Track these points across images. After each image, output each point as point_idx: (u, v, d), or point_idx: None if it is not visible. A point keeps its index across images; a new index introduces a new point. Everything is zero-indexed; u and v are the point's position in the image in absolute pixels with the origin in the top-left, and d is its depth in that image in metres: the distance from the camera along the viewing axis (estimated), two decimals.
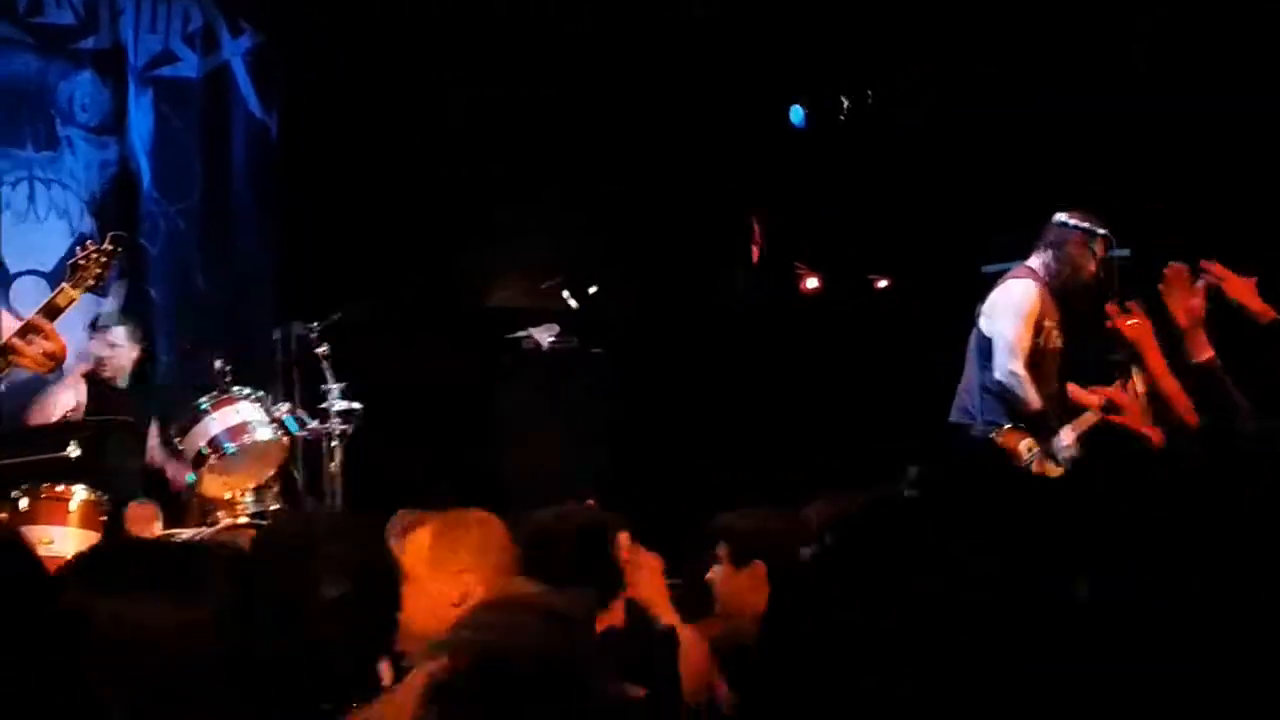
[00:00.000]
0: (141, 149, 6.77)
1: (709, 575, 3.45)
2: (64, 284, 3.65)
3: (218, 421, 5.32)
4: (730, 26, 7.05)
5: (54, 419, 5.92)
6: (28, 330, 3.56)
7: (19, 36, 6.49)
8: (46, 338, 3.56)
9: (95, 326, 6.04)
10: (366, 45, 7.01)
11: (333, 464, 5.67)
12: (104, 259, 3.67)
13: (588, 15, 6.99)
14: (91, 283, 3.65)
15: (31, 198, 6.52)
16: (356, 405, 5.70)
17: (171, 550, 1.87)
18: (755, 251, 7.61)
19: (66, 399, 5.92)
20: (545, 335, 6.46)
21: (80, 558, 1.79)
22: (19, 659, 1.48)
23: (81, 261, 3.65)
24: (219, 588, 1.72)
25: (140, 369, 6.13)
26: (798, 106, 7.18)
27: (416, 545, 2.77)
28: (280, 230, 7.01)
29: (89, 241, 3.75)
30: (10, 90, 6.45)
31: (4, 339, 3.59)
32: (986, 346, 5.30)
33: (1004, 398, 5.24)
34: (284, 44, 7.01)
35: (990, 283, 5.46)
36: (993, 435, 5.26)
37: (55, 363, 3.68)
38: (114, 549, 1.88)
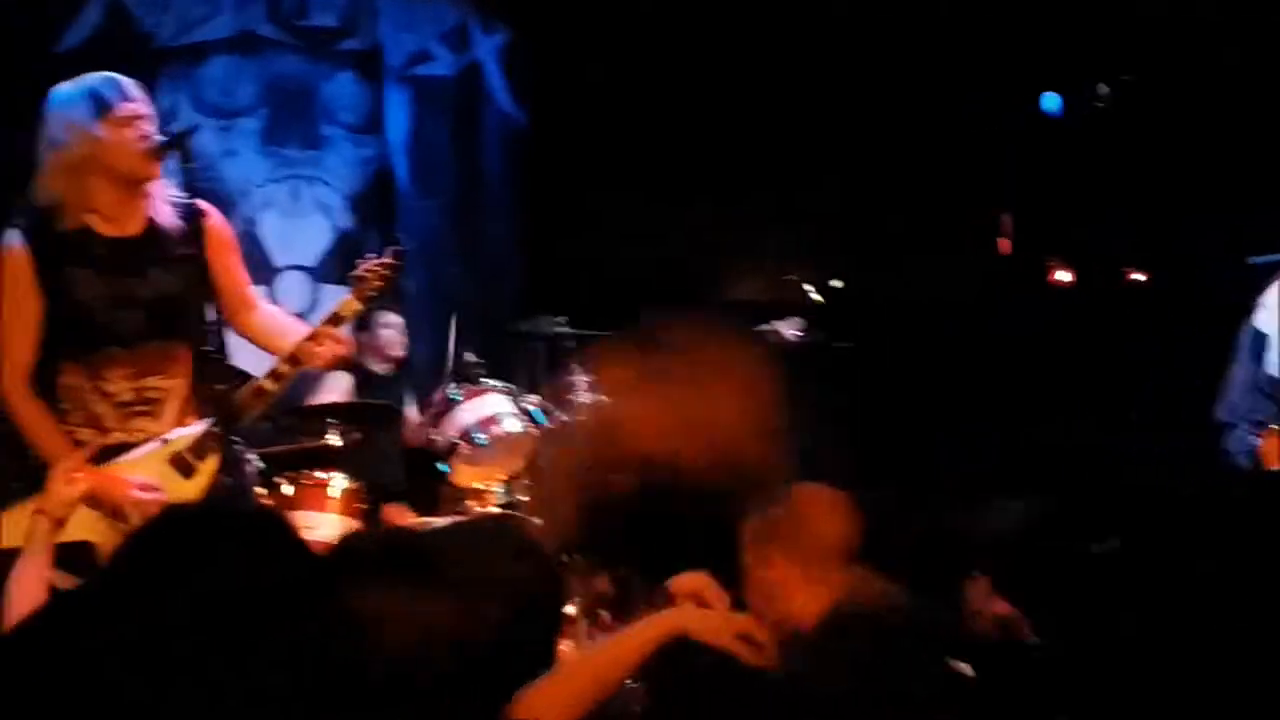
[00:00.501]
0: (398, 146, 7.00)
1: None
2: (348, 295, 3.77)
3: (469, 412, 5.44)
4: (982, 10, 6.88)
5: (333, 397, 6.10)
6: (317, 336, 3.69)
7: (284, 39, 6.78)
8: (337, 341, 3.68)
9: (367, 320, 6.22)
10: (616, 39, 7.08)
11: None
12: (386, 272, 3.77)
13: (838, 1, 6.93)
14: (373, 294, 3.75)
15: (295, 195, 6.81)
16: (603, 398, 5.74)
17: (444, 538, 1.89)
18: (1004, 244, 7.41)
19: (340, 386, 6.10)
20: (789, 329, 6.40)
21: (347, 541, 1.83)
22: (286, 638, 1.51)
23: (363, 274, 3.77)
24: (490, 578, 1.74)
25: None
26: (1052, 93, 6.97)
27: None
28: (530, 224, 7.15)
29: (371, 256, 3.85)
30: (276, 92, 6.75)
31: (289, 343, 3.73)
32: (1261, 342, 5.07)
33: (1276, 397, 4.99)
34: (535, 39, 7.13)
35: (1261, 275, 5.21)
36: (1258, 435, 5.03)
37: (346, 360, 3.80)
38: (383, 536, 1.91)
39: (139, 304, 3.59)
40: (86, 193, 3.56)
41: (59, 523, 3.05)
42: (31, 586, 2.49)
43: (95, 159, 3.54)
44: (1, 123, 5.77)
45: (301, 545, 1.63)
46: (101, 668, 1.33)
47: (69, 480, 3.23)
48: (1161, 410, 6.35)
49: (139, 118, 3.58)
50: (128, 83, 3.63)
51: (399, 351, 6.21)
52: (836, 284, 6.99)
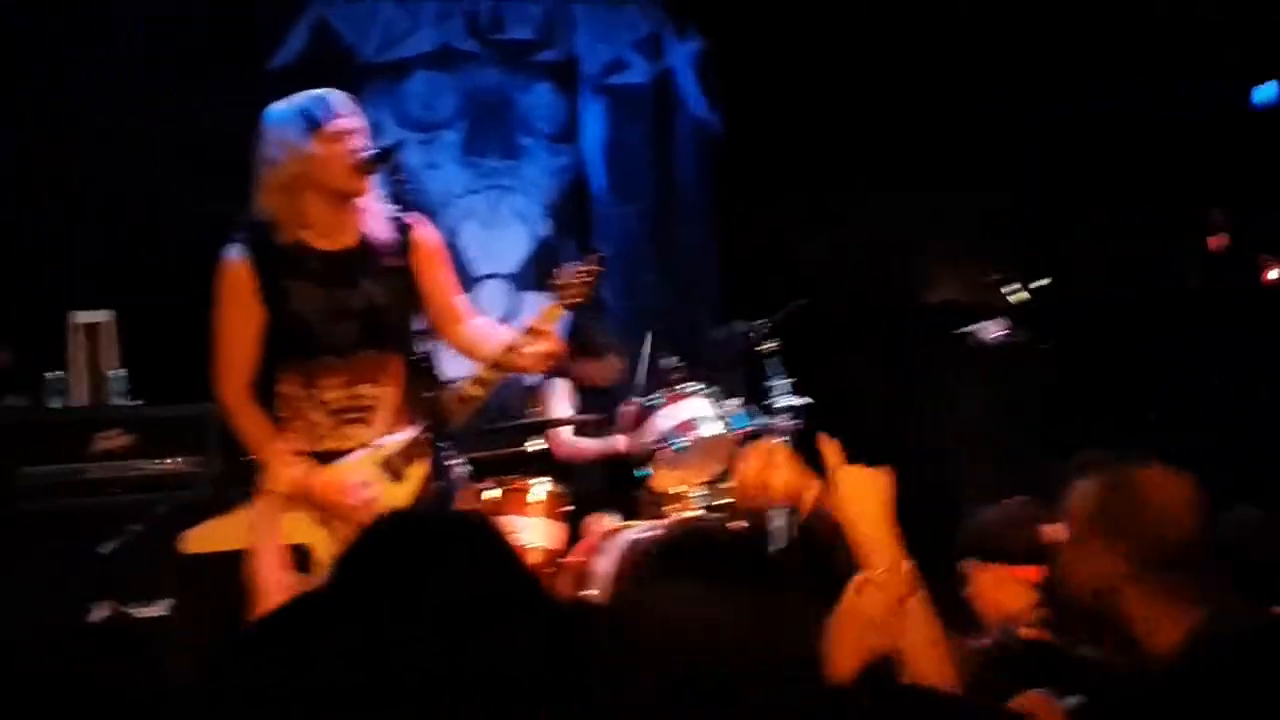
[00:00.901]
0: (594, 154, 7.07)
1: None
2: (550, 302, 3.80)
3: (668, 417, 5.45)
4: None
5: (559, 408, 6.13)
6: (528, 334, 3.74)
7: (483, 53, 6.91)
8: (544, 343, 3.72)
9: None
10: (807, 41, 7.04)
11: None
12: (587, 278, 3.80)
13: None
14: (575, 300, 3.78)
15: (495, 205, 6.92)
16: (805, 401, 5.70)
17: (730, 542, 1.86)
18: (1214, 241, 7.16)
19: (564, 389, 6.12)
20: (993, 331, 6.28)
21: (652, 546, 1.81)
22: (502, 644, 1.50)
23: (565, 281, 3.80)
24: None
25: None
26: (1266, 85, 6.70)
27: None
28: (726, 229, 7.15)
29: (573, 263, 3.89)
30: (476, 104, 6.88)
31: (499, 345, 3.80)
32: None
33: None
34: (728, 45, 7.13)
35: None
36: None
37: (554, 362, 3.84)
38: (679, 538, 1.88)
39: (352, 315, 3.69)
40: (301, 208, 3.67)
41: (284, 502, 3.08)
42: (273, 574, 2.55)
43: (308, 175, 3.64)
44: (223, 142, 6.05)
45: (512, 551, 1.65)
46: (333, 670, 1.35)
47: (289, 462, 3.36)
48: None
49: (349, 132, 3.68)
50: (338, 98, 3.73)
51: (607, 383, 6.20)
52: (1041, 284, 6.82)
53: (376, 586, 1.44)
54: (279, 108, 3.72)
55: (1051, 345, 6.58)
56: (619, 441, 5.78)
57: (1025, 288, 6.19)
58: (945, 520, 3.29)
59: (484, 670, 1.44)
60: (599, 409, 5.90)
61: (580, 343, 5.83)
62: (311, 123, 3.65)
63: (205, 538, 3.77)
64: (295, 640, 1.37)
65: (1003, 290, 6.98)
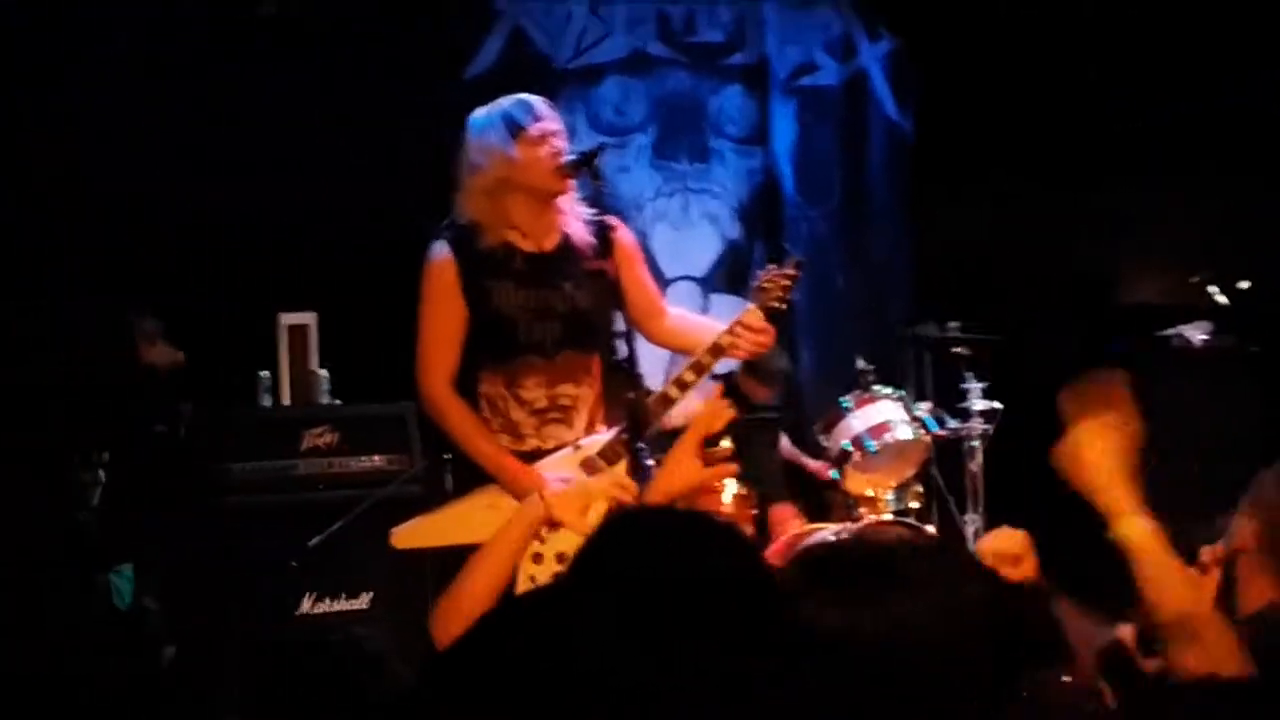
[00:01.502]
0: (784, 156, 7.06)
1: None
2: (751, 305, 3.82)
3: (860, 419, 5.42)
4: None
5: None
6: (733, 331, 3.77)
7: (675, 57, 6.95)
8: (755, 333, 3.73)
9: None
10: (999, 42, 6.93)
11: (973, 464, 5.63)
12: (786, 282, 3.81)
13: None
14: (775, 305, 3.79)
15: (685, 208, 6.96)
16: (997, 405, 5.63)
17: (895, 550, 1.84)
18: None
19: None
20: (1197, 333, 6.10)
21: (806, 555, 1.82)
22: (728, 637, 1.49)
23: (765, 284, 3.81)
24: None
25: None
26: None
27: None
28: (917, 229, 7.08)
29: (771, 267, 3.90)
30: (668, 107, 6.93)
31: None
32: None
33: None
34: (921, 45, 7.06)
35: None
36: None
37: (768, 349, 3.87)
38: (834, 549, 1.88)
39: (555, 315, 3.76)
40: (504, 211, 3.76)
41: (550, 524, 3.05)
42: (497, 578, 2.59)
43: (511, 179, 3.73)
44: (421, 148, 6.20)
45: (747, 542, 1.65)
46: (570, 666, 1.37)
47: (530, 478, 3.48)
48: None
49: (551, 135, 3.75)
50: (538, 102, 3.81)
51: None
52: (1244, 284, 6.61)
53: (616, 581, 1.45)
54: (481, 114, 3.81)
55: (1260, 349, 6.36)
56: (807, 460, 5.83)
57: (1226, 290, 6.00)
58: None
59: (720, 672, 1.44)
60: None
61: (754, 362, 5.87)
62: (514, 127, 3.73)
63: (415, 534, 3.86)
64: (536, 633, 1.40)
65: (1207, 291, 6.79)
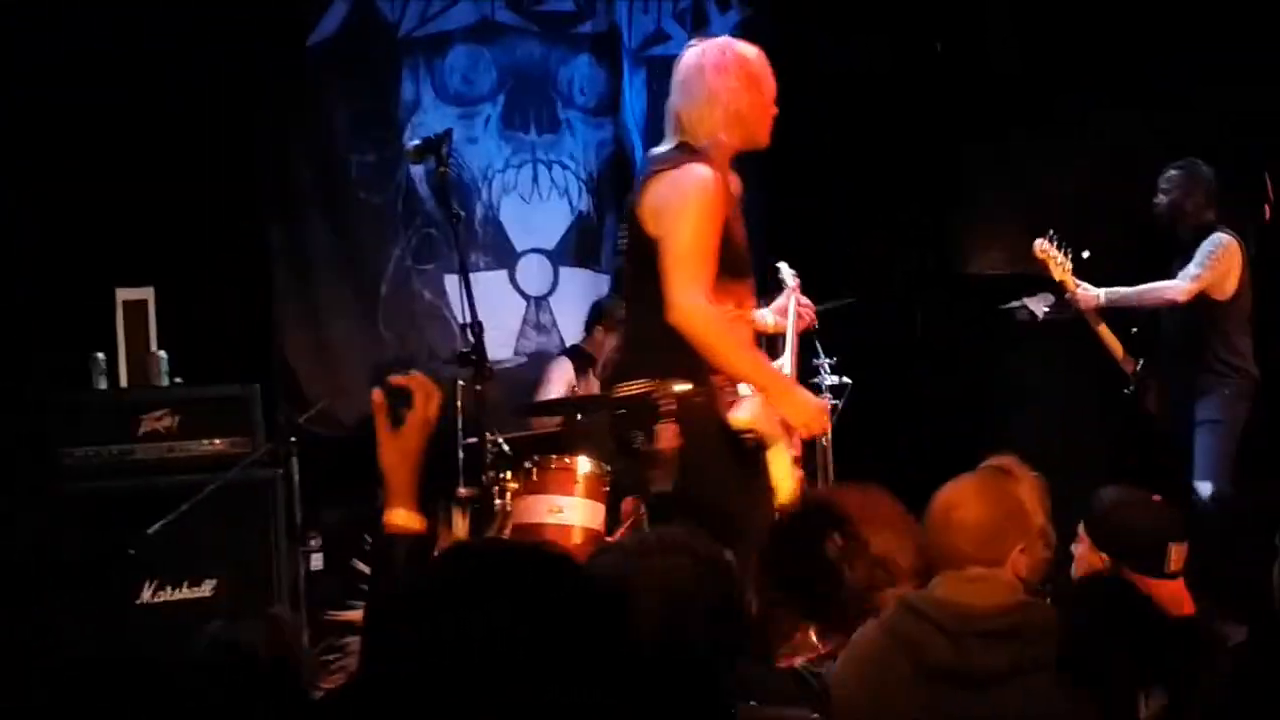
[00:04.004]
0: (635, 127, 7.01)
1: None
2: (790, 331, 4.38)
3: None
4: None
5: (555, 388, 6.23)
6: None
7: (524, 25, 6.84)
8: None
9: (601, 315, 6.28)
10: (845, 10, 6.97)
11: (823, 438, 5.66)
12: (812, 314, 4.42)
13: None
14: (805, 330, 4.36)
15: (535, 179, 6.88)
16: (847, 380, 5.67)
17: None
18: (1267, 210, 7.05)
19: (567, 371, 6.21)
20: (1039, 305, 6.20)
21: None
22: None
23: (800, 312, 4.34)
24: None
25: None
26: None
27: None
28: (768, 203, 7.07)
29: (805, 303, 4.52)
30: (517, 77, 6.82)
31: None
32: None
33: None
34: (771, 14, 7.05)
35: None
36: None
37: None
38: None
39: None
40: (733, 146, 3.83)
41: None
42: None
43: (746, 120, 3.83)
44: (257, 109, 6.02)
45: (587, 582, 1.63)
46: None
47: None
48: None
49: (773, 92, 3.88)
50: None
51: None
52: (1085, 255, 6.73)
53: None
54: (748, 50, 3.85)
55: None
56: None
57: (1070, 260, 6.09)
58: None
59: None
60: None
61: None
62: (765, 73, 3.83)
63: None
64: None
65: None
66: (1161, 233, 6.05)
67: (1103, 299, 5.90)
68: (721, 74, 3.76)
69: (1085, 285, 5.90)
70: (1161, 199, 5.99)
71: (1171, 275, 5.91)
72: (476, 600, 1.45)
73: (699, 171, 3.67)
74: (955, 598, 2.51)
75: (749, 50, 3.85)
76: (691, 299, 3.59)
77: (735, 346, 3.69)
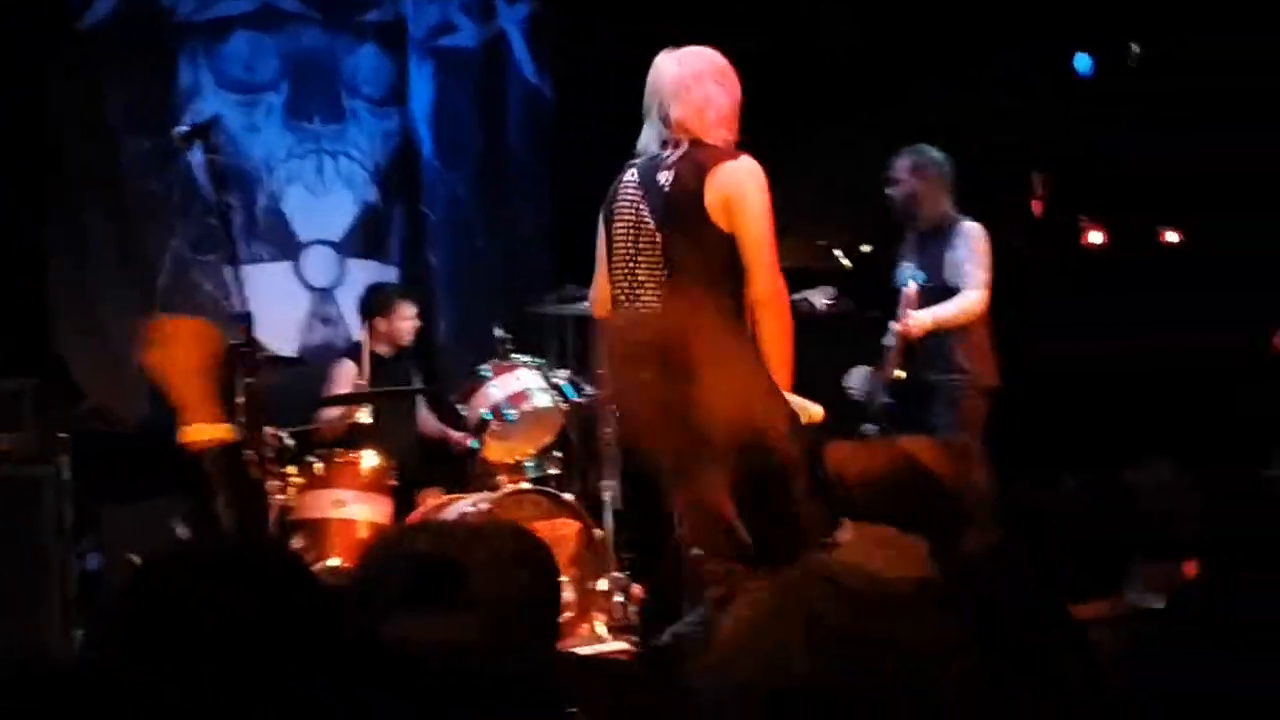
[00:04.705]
0: (422, 118, 6.95)
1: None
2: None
3: (499, 388, 5.40)
4: None
5: (341, 390, 6.13)
6: None
7: (307, 12, 6.72)
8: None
9: (382, 299, 6.20)
10: (640, 7, 7.00)
11: (608, 429, 5.69)
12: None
13: None
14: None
15: (320, 170, 6.77)
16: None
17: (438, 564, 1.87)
18: (1036, 205, 7.33)
19: (350, 371, 6.11)
20: (820, 298, 6.32)
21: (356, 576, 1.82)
22: (303, 685, 1.50)
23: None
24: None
25: (418, 335, 6.28)
26: (1084, 54, 6.87)
27: None
28: (557, 194, 7.09)
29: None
30: (299, 65, 6.69)
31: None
32: None
33: None
34: (559, 7, 7.05)
35: None
36: None
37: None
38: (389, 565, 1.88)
39: None
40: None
41: None
42: None
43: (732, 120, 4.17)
44: (29, 93, 5.81)
45: (319, 587, 1.62)
46: None
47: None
48: None
49: None
50: None
51: (408, 340, 6.18)
52: (866, 249, 6.91)
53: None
54: (718, 54, 4.09)
55: (879, 314, 6.66)
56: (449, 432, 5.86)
57: (849, 254, 6.25)
58: None
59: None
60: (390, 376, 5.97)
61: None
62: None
63: None
64: None
65: (832, 255, 7.06)
66: (897, 222, 5.99)
67: (929, 324, 5.69)
68: (726, 77, 4.09)
69: (914, 314, 5.69)
70: (895, 188, 5.84)
71: (895, 265, 5.84)
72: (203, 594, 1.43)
73: (756, 164, 3.98)
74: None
75: (718, 54, 4.12)
76: (781, 282, 3.95)
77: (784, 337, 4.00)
